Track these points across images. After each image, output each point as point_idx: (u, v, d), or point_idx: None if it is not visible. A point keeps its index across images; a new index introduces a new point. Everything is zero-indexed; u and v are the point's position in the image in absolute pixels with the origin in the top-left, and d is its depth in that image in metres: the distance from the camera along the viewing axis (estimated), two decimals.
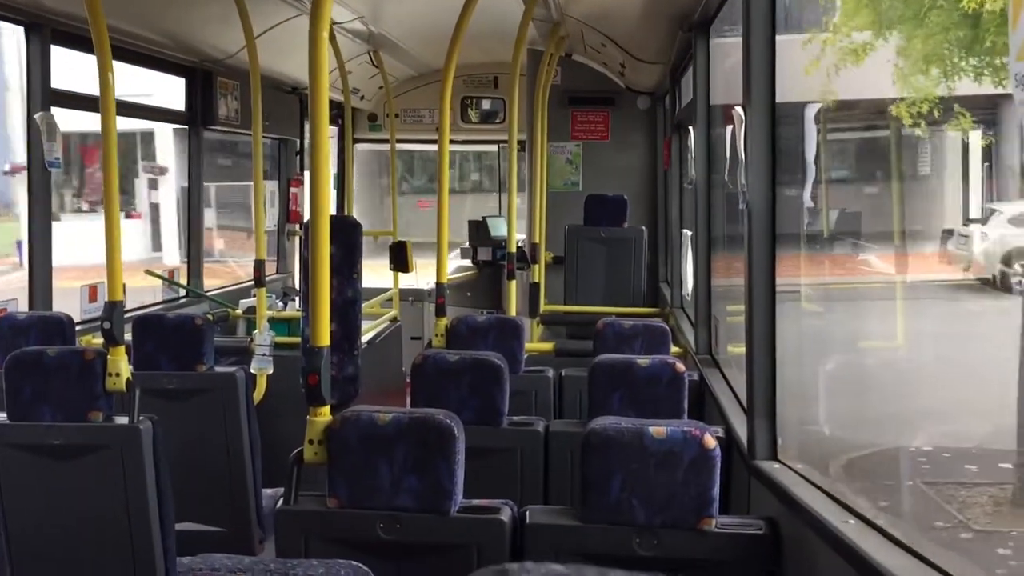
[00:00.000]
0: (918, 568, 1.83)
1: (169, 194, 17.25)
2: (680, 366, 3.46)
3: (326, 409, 2.69)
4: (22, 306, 4.67)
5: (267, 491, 4.39)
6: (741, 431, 3.13)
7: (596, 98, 7.83)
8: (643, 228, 7.22)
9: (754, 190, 2.96)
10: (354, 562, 1.76)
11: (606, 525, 2.50)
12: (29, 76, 4.63)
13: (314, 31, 2.66)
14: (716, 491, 2.48)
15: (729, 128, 3.84)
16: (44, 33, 4.59)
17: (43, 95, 4.61)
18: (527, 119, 7.08)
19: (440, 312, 4.44)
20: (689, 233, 5.46)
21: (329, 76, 7.25)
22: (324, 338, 2.70)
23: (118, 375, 3.46)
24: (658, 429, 2.49)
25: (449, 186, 4.84)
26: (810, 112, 3.40)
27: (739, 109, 3.14)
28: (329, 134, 8.30)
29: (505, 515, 2.56)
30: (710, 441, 2.48)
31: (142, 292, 6.31)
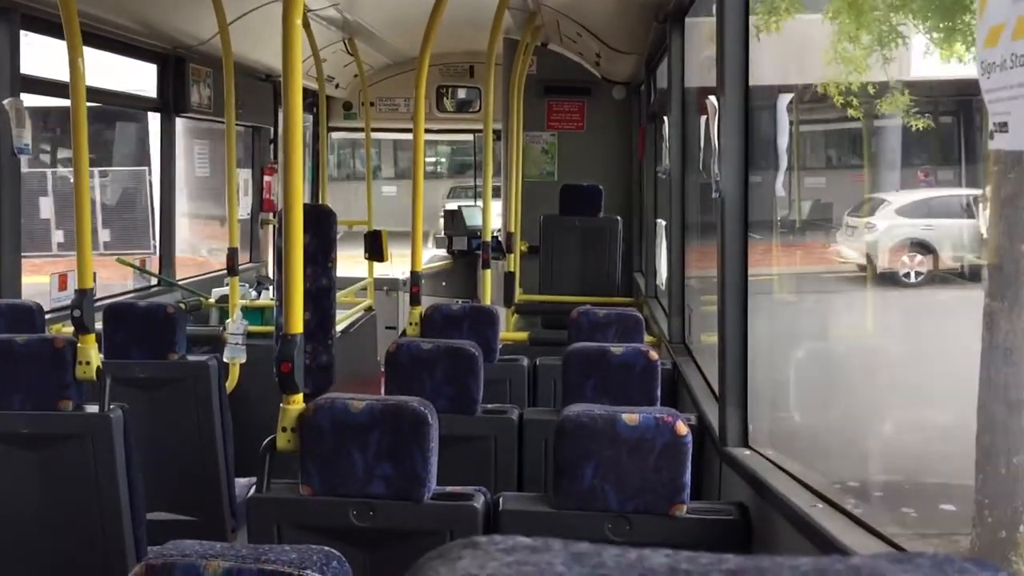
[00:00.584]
0: (881, 547, 1.86)
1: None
2: (653, 354, 3.48)
3: (299, 397, 2.68)
4: None
5: (240, 480, 4.37)
6: (713, 418, 3.15)
7: (572, 88, 7.83)
8: (618, 218, 7.24)
9: (727, 179, 2.98)
10: (327, 548, 1.76)
11: (579, 511, 2.51)
12: None
13: (287, 18, 2.65)
14: (687, 477, 2.50)
15: (704, 118, 3.86)
16: (13, 18, 4.53)
17: (12, 81, 4.55)
18: (503, 108, 7.07)
19: (415, 301, 4.43)
20: (663, 223, 5.49)
21: (303, 64, 7.24)
22: (297, 326, 2.69)
23: (88, 363, 3.43)
24: (631, 416, 2.51)
25: (425, 170, 4.84)
26: (783, 102, 3.42)
27: (712, 98, 3.16)
28: (303, 122, 8.27)
29: (478, 502, 2.57)
30: (682, 428, 2.49)
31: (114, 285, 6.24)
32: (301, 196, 2.73)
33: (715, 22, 3.06)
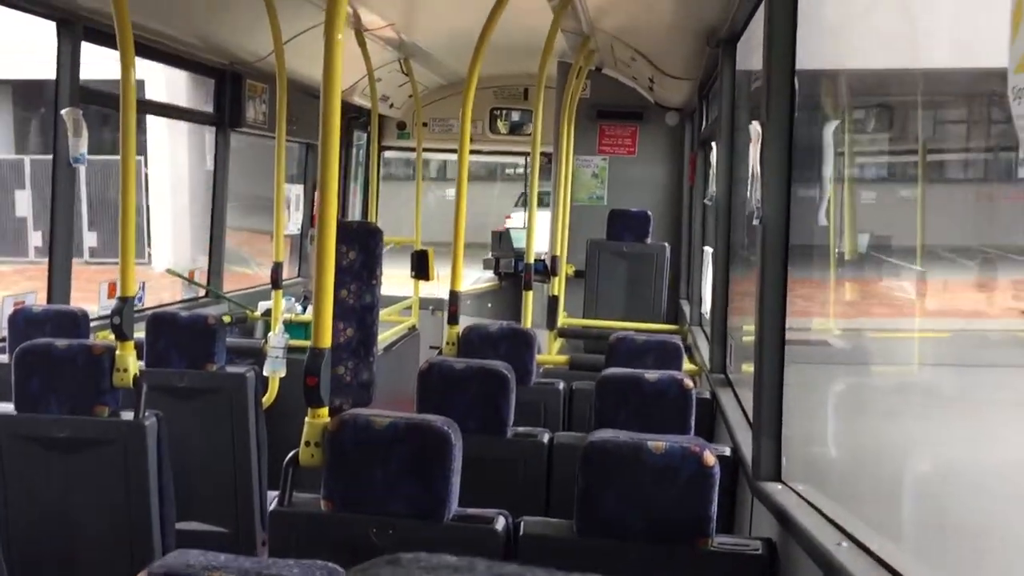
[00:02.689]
0: None
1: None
2: (688, 383, 3.41)
3: (324, 411, 2.68)
4: (41, 300, 4.71)
5: (272, 493, 4.38)
6: (747, 450, 3.08)
7: (625, 112, 7.80)
8: (666, 244, 7.17)
9: (769, 206, 2.92)
10: (330, 564, 1.74)
11: (601, 539, 2.46)
12: (59, 72, 4.69)
13: (328, 34, 2.66)
14: (714, 509, 2.43)
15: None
16: (75, 30, 4.64)
17: (71, 91, 4.66)
18: (554, 131, 7.06)
19: (452, 320, 4.42)
20: (710, 250, 5.41)
21: (359, 83, 7.31)
22: (325, 340, 2.69)
23: (126, 371, 3.48)
24: (657, 444, 2.45)
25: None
26: (828, 129, 3.34)
27: (756, 124, 3.11)
28: (358, 140, 8.36)
29: (499, 525, 2.53)
30: (709, 458, 2.43)
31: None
32: (335, 211, 2.74)
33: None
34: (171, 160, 15.00)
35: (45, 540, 3.47)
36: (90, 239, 15.30)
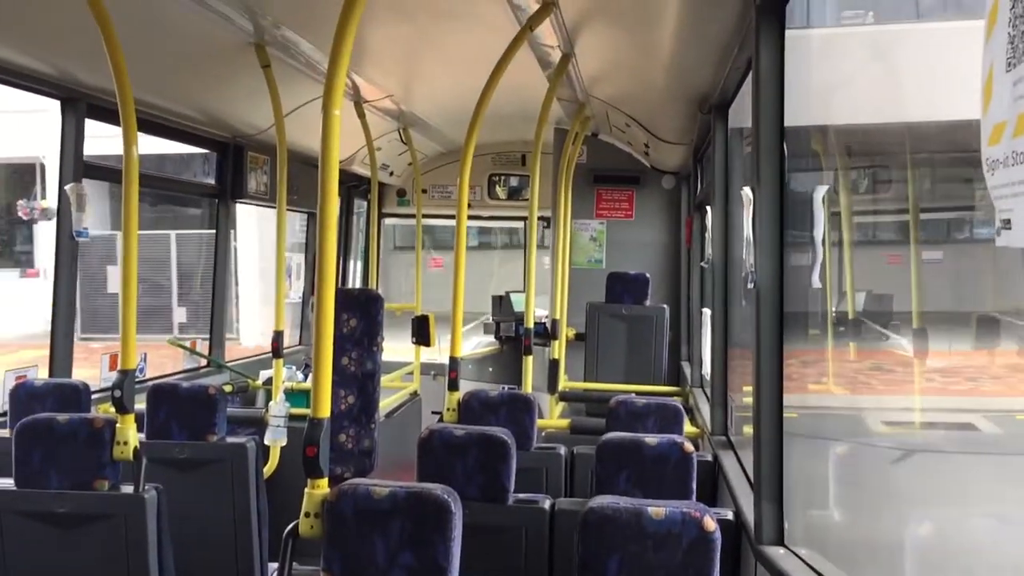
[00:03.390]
0: None
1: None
2: (688, 446, 3.41)
3: (324, 482, 2.68)
4: (43, 373, 4.73)
5: (273, 565, 4.35)
6: (750, 514, 3.06)
7: (621, 177, 7.90)
8: (665, 306, 7.20)
9: (762, 270, 2.96)
10: None
11: None
12: (63, 148, 4.77)
13: (327, 108, 2.72)
14: (716, 575, 2.42)
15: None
16: (79, 107, 4.74)
17: (75, 167, 4.75)
18: (551, 196, 7.15)
19: (453, 387, 4.43)
20: (708, 312, 5.44)
21: (359, 152, 7.42)
22: (324, 410, 2.70)
23: (126, 443, 3.48)
24: (657, 510, 2.45)
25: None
26: (818, 193, 3.40)
27: (747, 190, 3.16)
28: (358, 208, 8.41)
29: None
30: (710, 524, 2.43)
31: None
32: (334, 278, 2.77)
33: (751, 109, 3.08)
34: (259, 238, 15.35)
35: None
36: (180, 315, 15.55)
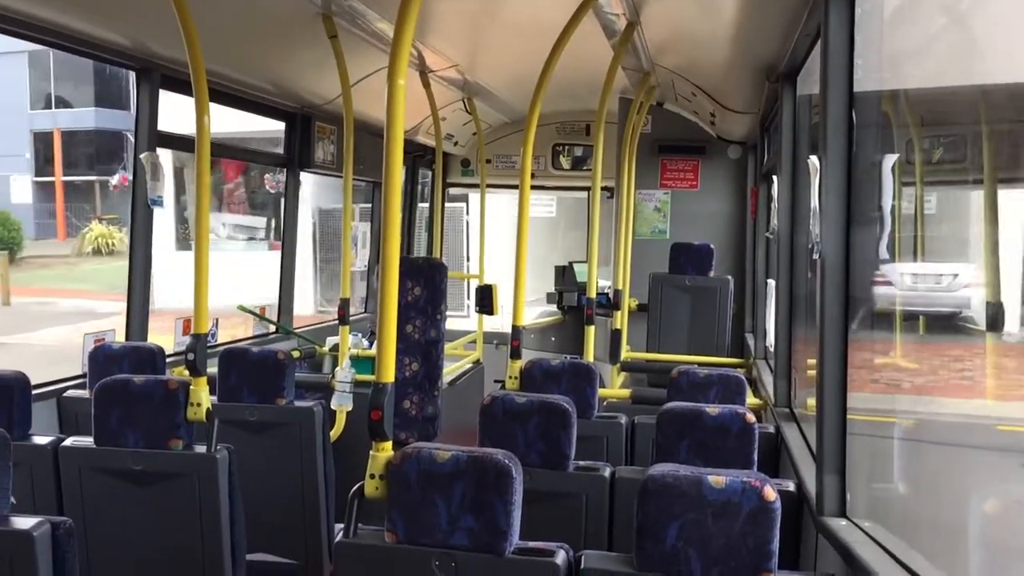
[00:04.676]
0: None
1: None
2: (751, 417, 3.40)
3: (388, 444, 2.74)
4: (120, 337, 4.90)
5: (339, 525, 4.46)
6: (812, 486, 3.05)
7: (686, 147, 7.82)
8: (729, 278, 7.14)
9: (828, 241, 2.92)
10: None
11: (662, 574, 2.46)
12: (138, 118, 4.90)
13: (392, 78, 2.75)
14: (775, 545, 2.42)
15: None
16: (153, 78, 4.86)
17: (149, 136, 4.87)
18: (615, 166, 7.11)
19: (515, 355, 4.47)
20: (773, 283, 5.38)
21: (424, 122, 7.46)
22: (388, 375, 2.75)
23: (199, 405, 3.60)
24: (717, 478, 2.46)
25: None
26: (888, 162, 3.33)
27: (814, 158, 3.12)
28: (423, 178, 8.47)
29: (560, 559, 2.55)
30: (770, 493, 2.43)
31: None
32: (397, 247, 2.81)
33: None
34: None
35: (123, 568, 3.59)
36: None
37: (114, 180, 28.01)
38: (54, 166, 29.60)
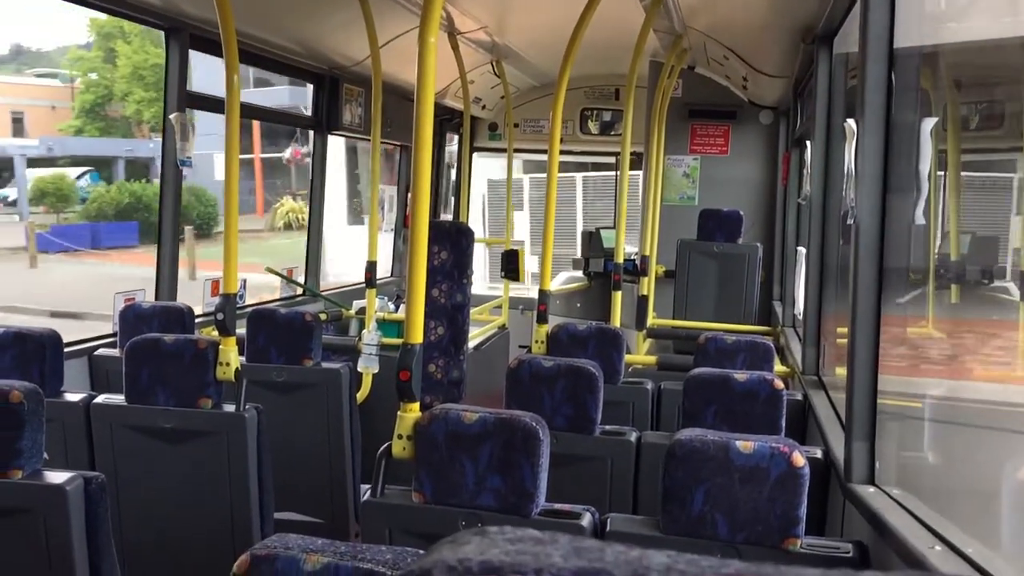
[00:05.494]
0: None
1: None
2: (779, 383, 3.38)
3: (415, 405, 2.74)
4: (149, 297, 4.94)
5: (365, 485, 4.50)
6: (840, 453, 3.03)
7: (717, 111, 7.72)
8: (758, 245, 7.07)
9: (863, 207, 2.87)
10: (421, 551, 1.80)
11: (687, 538, 2.46)
12: (167, 78, 4.90)
13: (422, 37, 2.73)
14: (803, 510, 2.41)
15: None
16: (183, 37, 4.85)
17: (179, 96, 4.87)
18: (645, 131, 7.04)
19: (541, 319, 4.46)
20: (803, 251, 5.33)
21: (452, 86, 7.41)
22: (417, 336, 2.75)
23: (228, 365, 3.62)
24: (745, 443, 2.44)
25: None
26: (927, 125, 3.27)
27: (851, 121, 3.06)
28: (450, 143, 8.44)
29: (585, 521, 2.55)
30: (798, 459, 2.41)
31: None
32: (427, 210, 2.80)
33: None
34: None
35: (153, 523, 3.64)
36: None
37: (286, 154, 28.76)
38: (253, 143, 30.18)
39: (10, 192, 30.86)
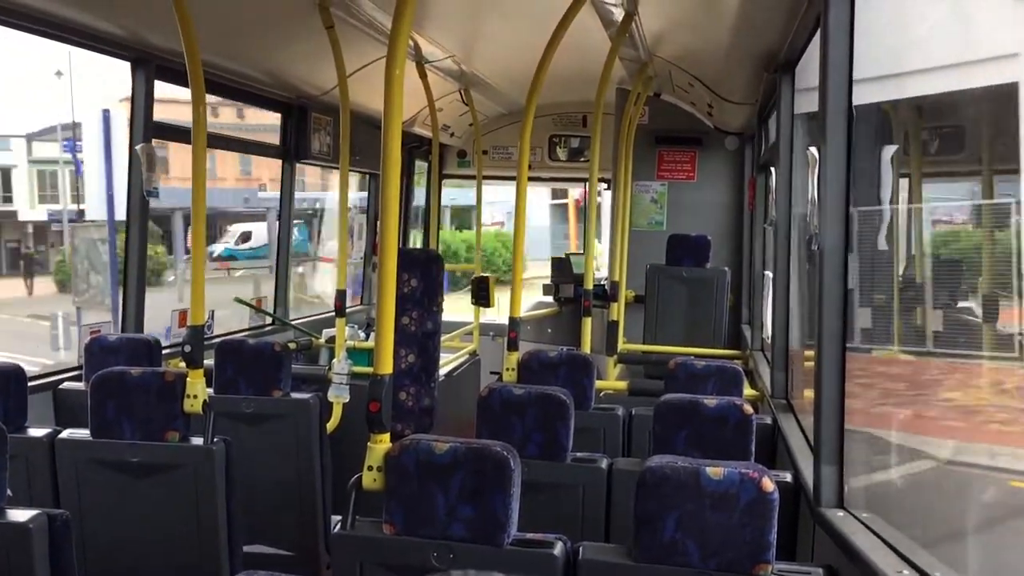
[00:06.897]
0: None
1: None
2: (748, 408, 3.40)
3: (386, 436, 2.73)
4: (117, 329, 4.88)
5: (336, 517, 4.46)
6: (810, 477, 3.05)
7: (684, 138, 7.81)
8: (726, 269, 7.13)
9: (826, 232, 2.91)
10: None
11: (659, 566, 2.46)
12: (133, 109, 4.87)
13: (390, 68, 2.74)
14: (773, 536, 2.42)
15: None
16: (149, 68, 4.83)
17: (145, 127, 4.84)
18: (613, 158, 7.10)
19: (512, 346, 4.46)
20: (770, 274, 5.38)
21: (421, 114, 7.44)
22: (387, 366, 2.75)
23: (196, 397, 3.59)
24: (715, 469, 2.46)
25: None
26: (887, 153, 3.33)
27: (813, 150, 3.11)
28: (419, 169, 8.44)
29: (558, 550, 2.55)
30: (768, 484, 2.42)
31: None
32: (396, 239, 2.80)
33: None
34: None
35: (120, 560, 3.58)
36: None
37: None
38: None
39: None
